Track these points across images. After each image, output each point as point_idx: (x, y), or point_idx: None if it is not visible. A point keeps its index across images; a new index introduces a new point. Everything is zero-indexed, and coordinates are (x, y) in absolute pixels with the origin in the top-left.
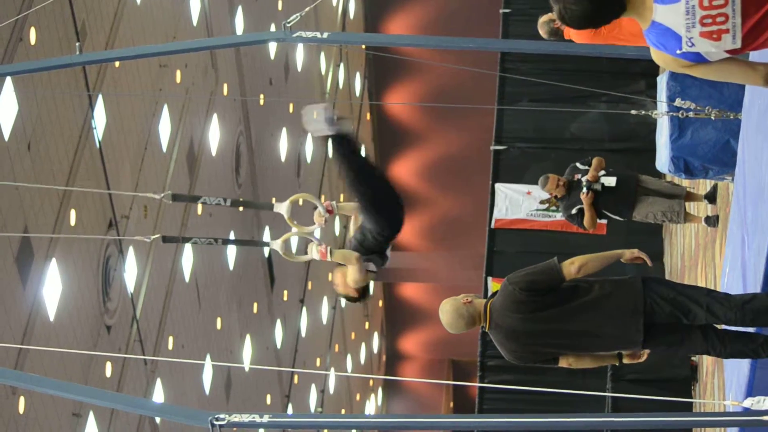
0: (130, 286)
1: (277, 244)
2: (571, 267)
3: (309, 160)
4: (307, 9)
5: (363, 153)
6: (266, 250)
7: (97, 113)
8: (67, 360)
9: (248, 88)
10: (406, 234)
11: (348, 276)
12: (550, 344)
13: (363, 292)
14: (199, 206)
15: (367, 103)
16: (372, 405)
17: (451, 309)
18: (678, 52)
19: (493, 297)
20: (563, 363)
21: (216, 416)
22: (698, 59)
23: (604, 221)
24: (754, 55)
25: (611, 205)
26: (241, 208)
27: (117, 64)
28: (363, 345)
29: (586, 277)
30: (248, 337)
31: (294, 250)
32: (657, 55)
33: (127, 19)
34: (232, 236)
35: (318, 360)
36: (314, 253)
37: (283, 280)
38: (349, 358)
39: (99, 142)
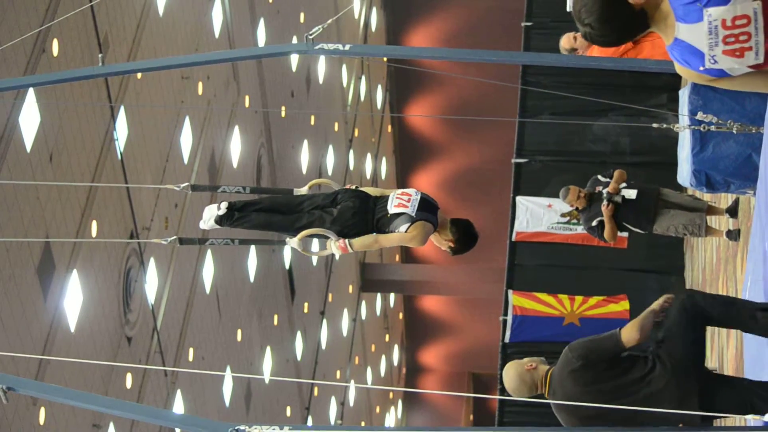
0: (151, 297)
1: (294, 242)
2: (633, 333)
3: (330, 172)
4: (329, 21)
5: (246, 205)
6: (287, 261)
7: (119, 125)
8: (87, 371)
9: (270, 100)
10: (426, 246)
11: (416, 241)
12: (600, 420)
13: (459, 237)
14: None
15: (388, 116)
16: (392, 417)
17: (515, 375)
18: (701, 69)
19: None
20: None
21: (236, 428)
22: (721, 75)
23: (624, 234)
24: None
25: (632, 218)
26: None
27: (139, 75)
28: (383, 357)
29: (645, 354)
30: (268, 349)
31: (316, 248)
32: (680, 69)
33: (150, 31)
34: (252, 252)
35: (338, 372)
36: (334, 248)
37: (304, 292)
38: (369, 370)
39: (121, 154)
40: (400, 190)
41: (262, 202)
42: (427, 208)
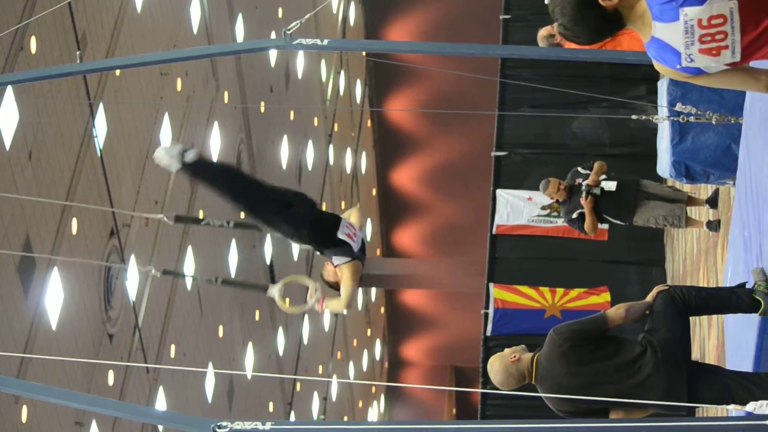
0: (132, 294)
1: (275, 291)
2: (619, 311)
3: (310, 167)
4: (307, 16)
5: (222, 164)
6: (268, 256)
7: (98, 122)
8: (69, 369)
9: (249, 96)
10: (407, 240)
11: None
12: (591, 402)
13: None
14: (201, 214)
15: (367, 110)
16: (374, 412)
17: (501, 369)
18: (677, 66)
19: (540, 349)
20: (612, 416)
21: (218, 424)
22: (698, 72)
23: (605, 226)
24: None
25: (612, 210)
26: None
27: (118, 72)
28: (365, 352)
29: (631, 336)
30: (250, 345)
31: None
32: (658, 66)
33: (128, 28)
34: (233, 248)
35: (320, 367)
36: (314, 304)
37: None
38: (351, 365)
39: (100, 151)
40: (347, 220)
41: None
42: (363, 248)
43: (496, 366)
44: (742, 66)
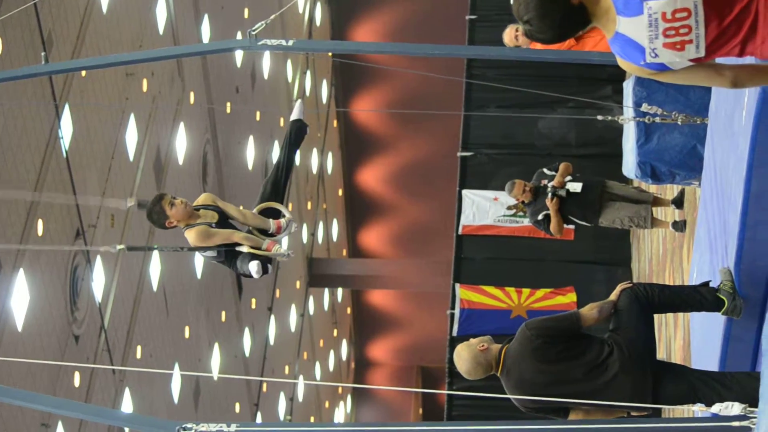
0: (98, 295)
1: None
2: (592, 311)
3: None
4: (272, 17)
5: None
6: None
7: (63, 123)
8: (35, 370)
9: (215, 96)
10: (373, 241)
11: None
12: (555, 399)
13: None
14: None
15: (334, 110)
16: (341, 412)
17: (469, 357)
18: (642, 63)
19: (509, 342)
20: (572, 416)
21: (183, 426)
22: (662, 68)
23: (571, 227)
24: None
25: (577, 211)
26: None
27: (83, 73)
28: (331, 352)
29: (601, 336)
30: (216, 346)
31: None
32: (622, 63)
33: (94, 28)
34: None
35: (287, 368)
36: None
37: (251, 288)
38: (317, 365)
39: (66, 152)
40: None
41: None
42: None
43: (465, 354)
44: (705, 63)
